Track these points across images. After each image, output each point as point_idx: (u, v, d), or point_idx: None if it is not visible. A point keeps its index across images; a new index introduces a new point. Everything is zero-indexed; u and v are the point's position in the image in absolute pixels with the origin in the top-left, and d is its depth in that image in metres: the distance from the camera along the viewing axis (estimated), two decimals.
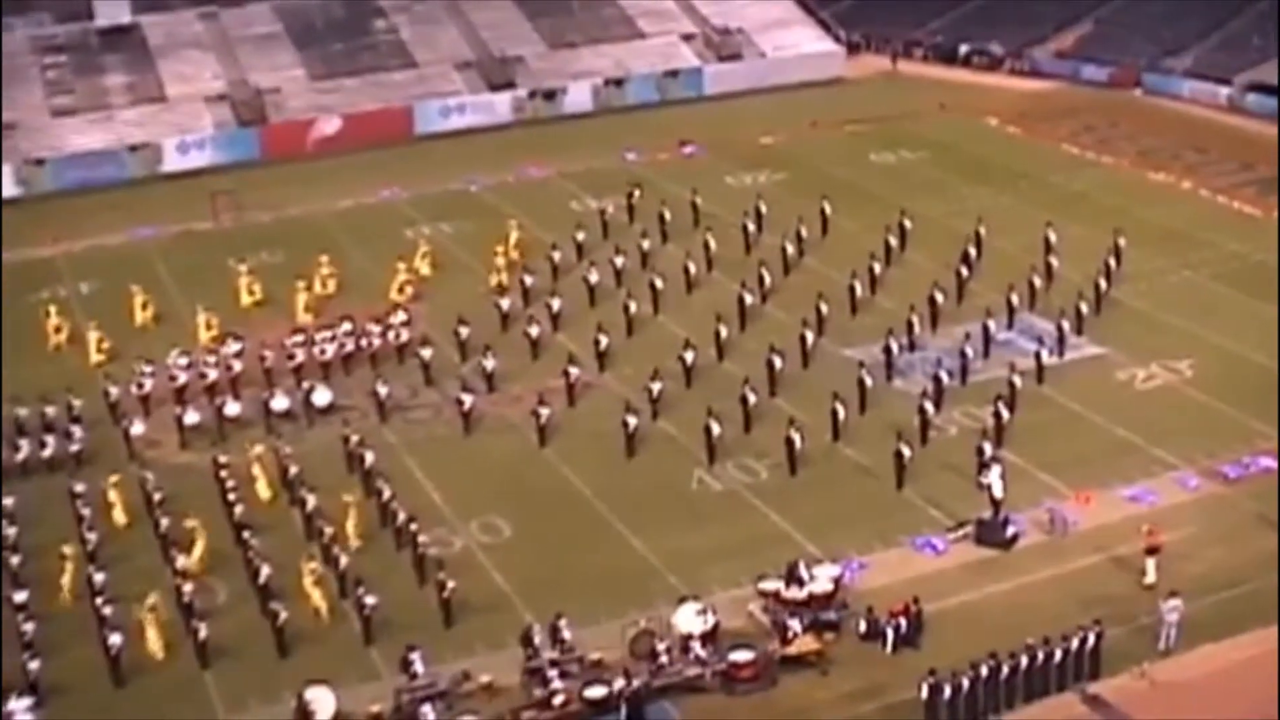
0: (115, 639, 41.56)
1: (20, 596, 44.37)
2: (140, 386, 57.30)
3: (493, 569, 46.20)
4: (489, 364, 57.57)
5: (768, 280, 63.75)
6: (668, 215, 71.99)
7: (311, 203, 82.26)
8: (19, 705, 39.11)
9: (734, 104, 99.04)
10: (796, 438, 49.96)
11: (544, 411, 53.27)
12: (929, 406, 51.62)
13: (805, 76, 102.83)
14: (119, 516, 49.37)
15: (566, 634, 40.36)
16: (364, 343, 60.57)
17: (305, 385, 57.15)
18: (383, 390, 55.90)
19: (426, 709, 38.50)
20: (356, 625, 42.92)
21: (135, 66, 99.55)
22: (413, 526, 46.19)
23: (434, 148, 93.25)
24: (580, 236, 70.30)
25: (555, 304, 62.75)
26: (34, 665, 40.92)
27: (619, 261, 66.56)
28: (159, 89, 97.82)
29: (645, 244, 68.78)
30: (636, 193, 75.72)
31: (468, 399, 54.95)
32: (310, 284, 66.63)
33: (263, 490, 50.38)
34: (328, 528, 46.69)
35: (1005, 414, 50.91)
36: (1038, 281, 61.42)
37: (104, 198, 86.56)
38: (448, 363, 59.38)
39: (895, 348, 56.38)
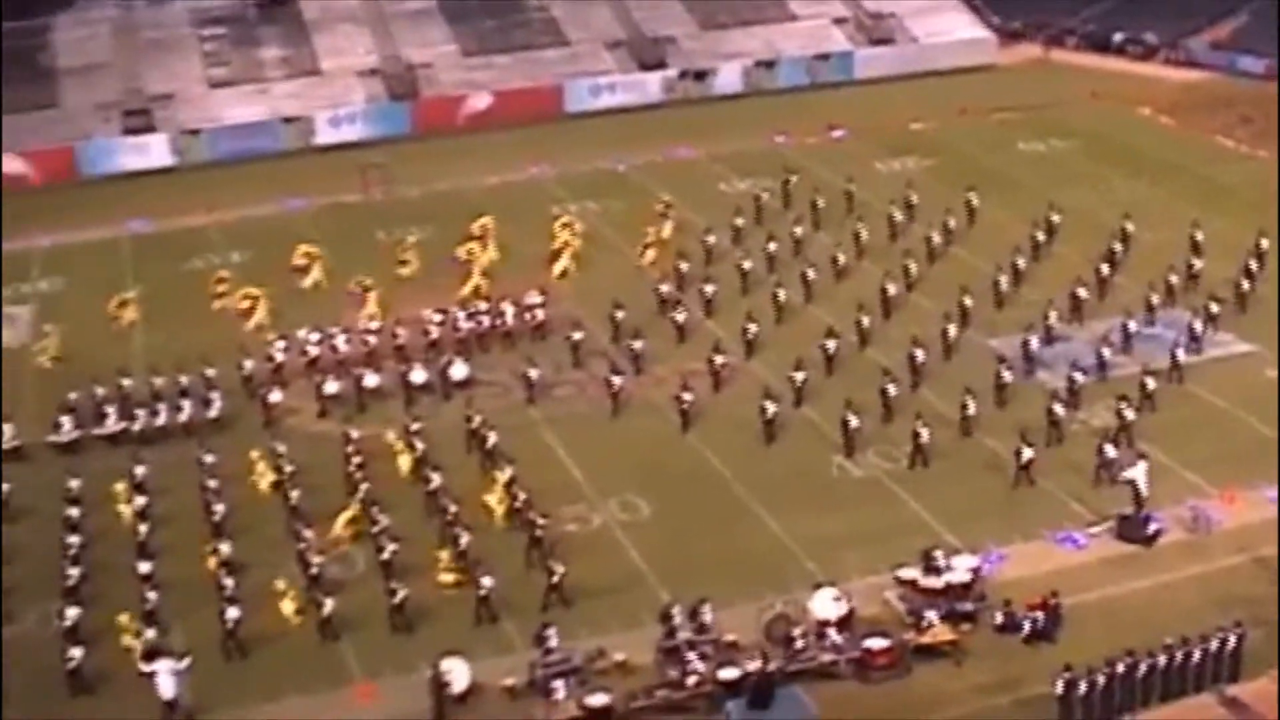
0: (233, 612, 42.01)
1: (145, 567, 44.96)
2: (270, 359, 58.23)
3: (630, 547, 46.51)
4: (638, 345, 57.84)
5: (913, 270, 63.51)
6: (821, 202, 71.84)
7: (460, 178, 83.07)
8: (164, 665, 39.70)
9: (884, 89, 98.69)
10: (924, 432, 49.72)
11: (687, 396, 53.36)
12: (1058, 408, 50.98)
13: (956, 63, 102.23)
14: (263, 485, 50.19)
15: (706, 616, 40.40)
16: (499, 321, 61.03)
17: (444, 359, 57.80)
18: (533, 373, 56.04)
19: (559, 684, 38.82)
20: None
21: (290, 40, 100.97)
22: (531, 510, 46.32)
23: (583, 126, 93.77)
24: (739, 222, 70.14)
25: (709, 289, 62.79)
26: (150, 633, 41.50)
27: (772, 248, 66.55)
28: (313, 62, 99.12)
29: (798, 230, 68.68)
30: (793, 179, 75.47)
31: (617, 380, 55.19)
32: (477, 258, 67.10)
33: (403, 465, 50.93)
34: (452, 505, 47.06)
35: (1130, 414, 50.30)
36: (1174, 279, 60.54)
37: (257, 169, 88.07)
38: (594, 342, 59.66)
39: (1034, 342, 55.98)
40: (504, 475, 48.43)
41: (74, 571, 44.83)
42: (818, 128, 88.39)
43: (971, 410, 51.30)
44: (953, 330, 57.36)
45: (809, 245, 67.95)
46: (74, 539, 46.58)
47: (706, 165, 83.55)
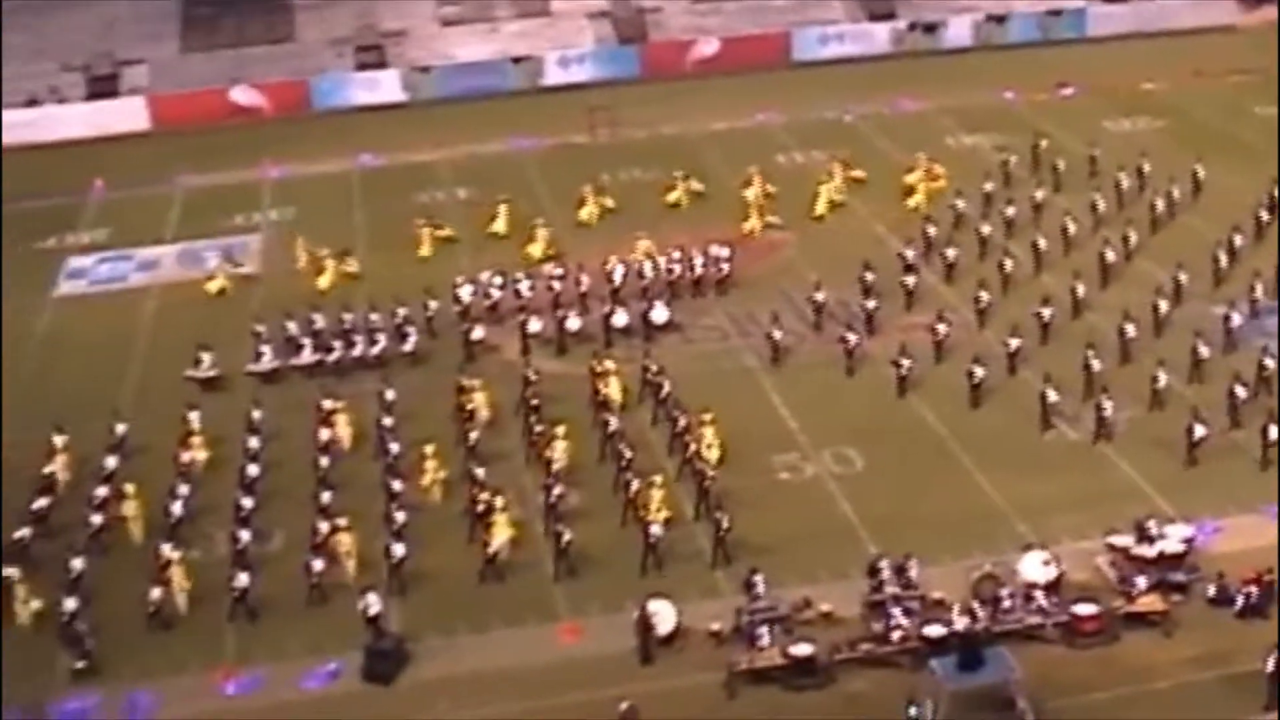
0: (399, 549, 42.63)
1: (326, 497, 45.63)
2: (457, 301, 58.84)
3: (841, 499, 46.66)
4: (871, 305, 57.57)
5: (1133, 238, 62.25)
6: (1061, 165, 70.80)
7: (686, 122, 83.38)
8: (372, 599, 40.76)
9: (1117, 47, 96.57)
10: (1109, 406, 48.90)
11: (905, 361, 52.81)
12: (1239, 390, 49.43)
13: (1194, 22, 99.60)
14: (483, 413, 51.13)
15: (913, 571, 40.45)
16: (688, 271, 61.15)
17: (646, 303, 58.21)
18: (777, 333, 55.74)
19: (764, 631, 39.07)
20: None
21: None
22: (701, 462, 46.55)
23: (810, 75, 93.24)
24: (988, 186, 68.58)
25: (951, 254, 61.86)
26: (318, 565, 42.45)
27: (1010, 213, 65.65)
28: (543, 3, 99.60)
29: (1039, 195, 67.44)
30: (1042, 143, 73.73)
31: (852, 337, 54.84)
32: (758, 200, 67.99)
33: (614, 395, 51.61)
34: (627, 451, 47.28)
35: None
36: None
37: (485, 107, 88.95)
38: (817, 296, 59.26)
39: (1235, 316, 54.62)
40: (681, 423, 48.77)
41: (248, 501, 45.91)
42: (1047, 85, 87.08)
43: (1162, 383, 50.43)
44: (1164, 305, 56.01)
45: (1047, 210, 66.53)
46: (253, 468, 47.84)
47: (933, 118, 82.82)
